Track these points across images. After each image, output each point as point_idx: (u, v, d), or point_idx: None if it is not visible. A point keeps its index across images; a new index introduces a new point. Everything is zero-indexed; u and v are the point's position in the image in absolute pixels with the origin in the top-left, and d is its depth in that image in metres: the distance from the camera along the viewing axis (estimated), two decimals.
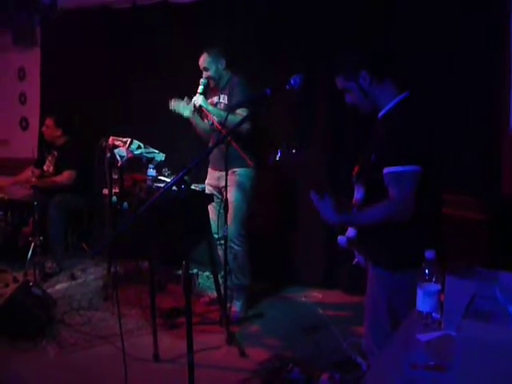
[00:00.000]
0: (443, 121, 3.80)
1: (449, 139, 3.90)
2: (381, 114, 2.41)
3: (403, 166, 2.20)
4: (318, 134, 4.73)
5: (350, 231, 2.47)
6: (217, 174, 4.19)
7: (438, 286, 1.82)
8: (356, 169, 2.48)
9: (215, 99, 4.18)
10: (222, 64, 4.13)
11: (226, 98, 4.09)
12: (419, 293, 1.86)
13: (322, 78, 4.53)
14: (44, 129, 5.54)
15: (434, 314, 1.82)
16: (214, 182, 4.20)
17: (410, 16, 4.21)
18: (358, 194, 2.46)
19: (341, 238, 2.48)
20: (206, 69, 4.11)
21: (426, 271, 1.83)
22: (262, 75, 4.71)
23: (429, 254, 1.84)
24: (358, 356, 2.79)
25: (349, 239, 2.46)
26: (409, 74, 2.94)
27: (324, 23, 4.58)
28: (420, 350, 1.66)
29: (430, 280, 1.83)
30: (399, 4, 4.27)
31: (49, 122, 5.48)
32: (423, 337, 1.71)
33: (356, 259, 2.59)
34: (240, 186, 4.04)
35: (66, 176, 5.30)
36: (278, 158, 2.30)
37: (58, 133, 5.43)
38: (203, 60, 4.11)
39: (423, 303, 1.85)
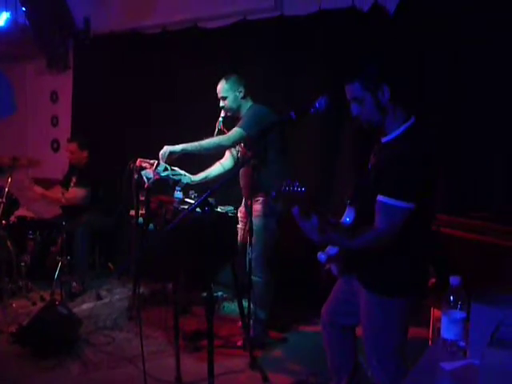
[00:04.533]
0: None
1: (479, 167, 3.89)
2: (386, 139, 2.38)
3: (397, 200, 2.20)
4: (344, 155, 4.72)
5: (331, 248, 2.48)
6: (243, 201, 4.15)
7: (463, 314, 1.79)
8: (351, 191, 2.49)
9: None
10: (241, 92, 3.95)
11: None
12: (444, 320, 1.83)
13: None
14: (69, 154, 5.59)
15: (459, 342, 1.78)
16: (242, 209, 4.16)
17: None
18: (348, 216, 2.47)
19: (321, 255, 2.49)
20: (223, 98, 3.94)
21: (451, 298, 1.80)
22: (288, 99, 4.72)
23: (453, 280, 1.81)
24: None
25: (329, 256, 2.47)
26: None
27: (351, 45, 4.58)
28: (444, 379, 1.62)
29: (454, 307, 1.80)
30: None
31: (72, 147, 5.52)
32: (447, 365, 1.68)
33: (329, 266, 2.58)
34: (260, 216, 3.87)
35: (75, 193, 5.36)
36: (273, 196, 2.32)
37: (85, 154, 5.51)
38: (220, 88, 3.95)
39: (448, 330, 1.81)
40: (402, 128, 2.32)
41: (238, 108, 3.99)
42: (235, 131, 3.78)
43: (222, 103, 3.98)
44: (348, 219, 2.46)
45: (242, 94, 3.97)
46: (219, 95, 3.98)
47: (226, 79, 3.97)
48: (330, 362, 2.79)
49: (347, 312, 2.63)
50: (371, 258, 2.36)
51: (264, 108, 3.95)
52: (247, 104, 4.01)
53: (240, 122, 3.84)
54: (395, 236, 2.22)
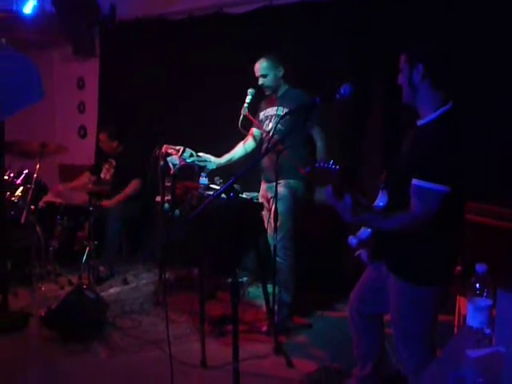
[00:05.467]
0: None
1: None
2: (421, 122, 2.36)
3: (433, 184, 2.17)
4: (371, 140, 4.68)
5: (362, 233, 2.46)
6: (265, 185, 4.15)
7: (489, 301, 1.77)
8: (384, 174, 2.46)
9: (270, 111, 4.10)
10: (280, 72, 4.00)
11: (284, 110, 3.94)
12: (469, 307, 1.82)
13: (376, 86, 4.50)
14: (101, 144, 5.67)
15: (485, 330, 1.77)
16: (263, 194, 4.17)
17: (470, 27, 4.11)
18: (381, 200, 2.44)
19: (352, 239, 2.46)
20: (263, 76, 3.99)
21: (477, 285, 1.79)
22: (314, 84, 4.70)
23: (479, 267, 1.79)
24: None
25: (360, 241, 2.45)
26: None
27: (378, 31, 4.52)
28: (469, 366, 1.61)
29: (480, 294, 1.78)
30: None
31: (102, 137, 5.60)
32: (473, 353, 1.67)
33: (359, 252, 2.56)
34: (284, 198, 3.90)
35: (133, 185, 5.41)
36: (307, 170, 2.30)
37: (114, 144, 5.56)
38: (260, 66, 3.99)
39: (473, 318, 1.80)
40: (438, 112, 2.29)
41: (277, 87, 4.04)
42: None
43: (261, 81, 4.01)
44: (381, 203, 2.43)
45: (281, 74, 4.02)
46: (258, 73, 4.01)
47: (267, 58, 4.00)
48: (356, 348, 2.79)
49: (375, 300, 2.62)
50: (402, 245, 2.34)
51: (304, 92, 3.99)
52: (285, 86, 4.06)
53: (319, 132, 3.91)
54: (430, 221, 2.19)
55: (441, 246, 2.32)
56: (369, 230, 2.44)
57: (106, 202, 5.31)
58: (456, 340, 1.88)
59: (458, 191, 2.22)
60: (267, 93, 4.07)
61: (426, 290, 2.34)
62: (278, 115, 3.97)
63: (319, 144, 3.92)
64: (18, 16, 5.37)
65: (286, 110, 3.93)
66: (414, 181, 2.21)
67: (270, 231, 3.93)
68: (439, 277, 2.37)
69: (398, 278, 2.39)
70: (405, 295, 2.38)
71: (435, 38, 2.53)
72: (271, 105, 4.11)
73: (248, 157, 4.22)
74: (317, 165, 2.22)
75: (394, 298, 2.44)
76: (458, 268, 2.80)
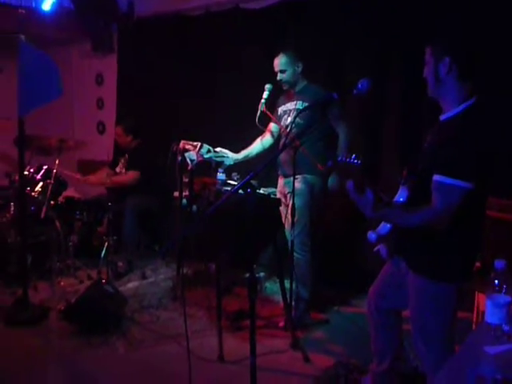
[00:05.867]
0: None
1: None
2: (444, 117, 2.34)
3: (455, 180, 2.13)
4: (388, 136, 4.66)
5: (382, 228, 2.44)
6: (282, 180, 4.15)
7: (508, 298, 1.76)
8: (405, 170, 2.44)
9: (289, 105, 4.08)
10: (299, 67, 4.00)
11: (304, 105, 3.94)
12: (488, 304, 1.81)
13: (393, 81, 4.48)
14: (116, 137, 5.72)
15: (503, 326, 1.76)
16: (280, 189, 4.16)
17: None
18: (401, 196, 2.42)
19: (371, 234, 2.44)
20: (282, 71, 3.98)
21: (496, 281, 1.77)
22: (332, 80, 4.69)
23: (498, 263, 1.78)
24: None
25: (379, 236, 2.43)
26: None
27: (396, 25, 4.49)
28: (488, 363, 1.61)
29: (499, 291, 1.77)
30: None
31: (118, 130, 5.63)
32: (491, 349, 1.66)
33: (378, 248, 2.55)
34: (302, 194, 3.89)
35: (129, 176, 5.42)
36: (329, 165, 2.30)
37: (129, 139, 5.58)
38: (279, 61, 3.98)
39: (492, 314, 1.79)
40: (462, 106, 2.26)
41: (295, 83, 4.04)
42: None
43: (279, 76, 4.01)
44: (401, 199, 2.41)
45: (300, 69, 4.02)
46: (277, 68, 4.01)
47: (286, 53, 4.00)
48: (374, 343, 2.78)
49: (394, 296, 2.61)
50: (422, 241, 2.32)
51: (322, 88, 4.00)
52: (303, 81, 4.06)
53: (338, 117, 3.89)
54: (451, 217, 2.16)
55: (461, 242, 2.29)
56: (388, 225, 2.43)
57: (92, 178, 5.40)
58: (474, 336, 1.87)
59: (481, 187, 2.18)
60: (285, 88, 4.07)
61: (446, 286, 2.32)
62: (297, 109, 3.96)
63: (341, 137, 3.92)
64: (36, 13, 5.41)
65: (305, 105, 3.93)
66: (436, 176, 2.18)
67: (287, 226, 3.93)
68: (459, 273, 2.34)
69: (417, 274, 2.37)
70: (424, 292, 2.37)
71: (457, 31, 2.49)
72: (289, 100, 4.10)
73: (266, 153, 4.22)
74: (339, 158, 2.21)
75: (413, 294, 2.43)
76: (477, 264, 2.78)
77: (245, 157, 4.15)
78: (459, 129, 2.21)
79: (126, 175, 5.46)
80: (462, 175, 2.13)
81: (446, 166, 2.17)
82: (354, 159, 2.18)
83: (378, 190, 2.24)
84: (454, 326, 2.39)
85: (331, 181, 3.94)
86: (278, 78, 4.01)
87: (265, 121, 4.09)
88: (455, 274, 2.32)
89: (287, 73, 3.99)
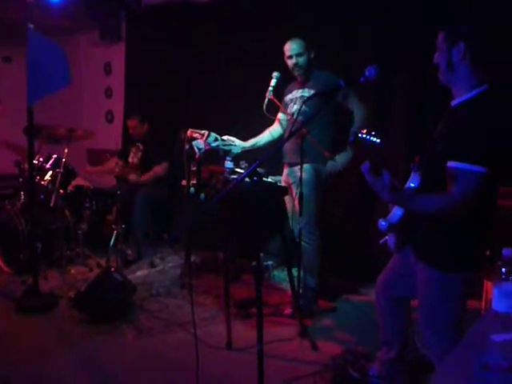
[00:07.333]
0: None
1: None
2: (455, 102, 2.30)
3: (471, 165, 2.09)
4: (396, 123, 4.64)
5: (393, 216, 2.41)
6: (287, 170, 4.13)
7: None
8: (418, 157, 2.41)
9: (295, 93, 4.06)
10: (312, 54, 3.96)
11: (310, 92, 3.91)
12: (495, 292, 1.80)
13: (402, 67, 4.46)
14: (131, 130, 5.70)
15: (511, 315, 1.75)
16: (285, 178, 4.13)
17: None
18: (413, 181, 2.38)
19: (382, 222, 2.40)
20: (298, 54, 3.90)
21: (503, 270, 1.77)
22: (339, 66, 4.66)
23: (506, 252, 1.77)
24: None
25: (390, 224, 2.40)
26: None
27: (404, 11, 4.45)
28: (494, 351, 1.61)
29: (506, 279, 1.76)
30: None
31: (132, 123, 5.63)
32: (498, 337, 1.65)
33: (385, 239, 2.53)
34: (308, 183, 3.84)
35: (163, 167, 5.45)
36: (351, 140, 2.24)
37: (145, 128, 5.60)
38: (294, 46, 3.92)
39: (499, 303, 1.79)
40: (473, 92, 2.23)
41: (308, 69, 3.99)
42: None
43: (295, 59, 3.94)
44: (413, 184, 2.38)
45: (312, 56, 3.97)
46: (293, 52, 3.93)
47: (301, 39, 3.95)
48: (382, 332, 2.78)
49: (402, 285, 2.59)
50: (432, 231, 2.31)
51: (331, 74, 3.98)
52: (312, 69, 4.01)
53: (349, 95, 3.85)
54: (469, 204, 2.12)
55: (472, 232, 2.26)
56: (399, 213, 2.39)
57: (132, 177, 5.39)
58: (481, 324, 1.87)
59: (493, 174, 2.14)
60: (298, 73, 3.99)
61: (456, 277, 2.30)
62: (303, 97, 3.93)
63: (356, 113, 3.88)
64: (45, 2, 5.41)
65: (311, 92, 3.90)
66: (451, 163, 2.14)
67: (291, 215, 3.93)
68: (469, 264, 2.31)
69: (426, 264, 2.35)
70: (434, 282, 2.34)
71: (464, 17, 2.46)
72: (297, 87, 4.08)
73: (274, 143, 4.20)
74: (360, 135, 2.16)
75: (422, 284, 2.41)
76: (487, 252, 2.77)
77: (253, 145, 4.14)
78: (471, 113, 2.18)
79: (158, 168, 5.46)
80: (476, 159, 2.09)
81: (460, 152, 2.13)
82: (374, 136, 2.13)
83: (392, 174, 2.22)
84: (464, 315, 2.38)
85: (331, 164, 3.91)
86: (294, 61, 3.93)
87: (272, 109, 4.08)
88: (465, 265, 2.30)
89: (304, 57, 3.93)
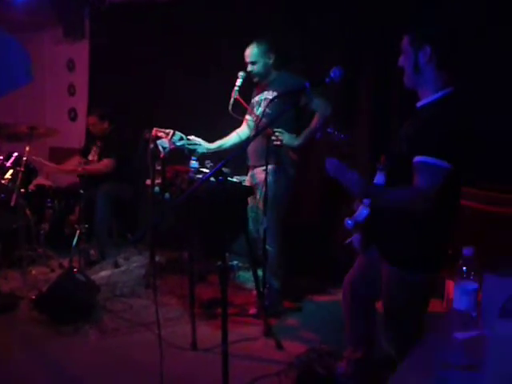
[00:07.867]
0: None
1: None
2: (421, 103, 2.34)
3: (438, 159, 2.14)
4: (360, 123, 4.68)
5: (359, 215, 2.44)
6: (250, 172, 4.11)
7: (476, 285, 1.79)
8: (383, 156, 2.44)
9: (260, 96, 4.04)
10: (271, 59, 3.94)
11: (273, 94, 3.89)
12: (456, 290, 1.83)
13: (366, 68, 4.51)
14: (90, 127, 5.63)
15: (471, 313, 1.79)
16: (249, 180, 4.11)
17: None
18: (378, 180, 2.42)
19: (348, 221, 2.44)
20: (252, 62, 3.92)
21: (464, 268, 1.80)
22: (304, 68, 4.68)
23: (466, 251, 1.81)
24: None
25: (356, 223, 2.44)
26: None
27: (369, 11, 4.50)
28: (455, 349, 1.63)
29: (467, 278, 1.80)
30: None
31: (92, 120, 5.55)
32: (460, 335, 1.68)
33: (350, 239, 2.56)
34: (271, 184, 3.81)
35: (104, 163, 5.37)
36: (318, 137, 2.28)
37: (105, 125, 5.53)
38: (250, 53, 3.92)
39: (460, 301, 1.82)
40: (438, 94, 2.27)
41: (266, 75, 3.98)
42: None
43: (249, 67, 3.95)
44: (378, 182, 2.42)
45: (271, 61, 3.95)
46: (248, 59, 3.94)
47: (258, 44, 3.93)
48: (348, 331, 2.80)
49: (368, 285, 2.62)
50: (396, 230, 2.33)
51: (295, 76, 3.96)
52: (275, 72, 4.00)
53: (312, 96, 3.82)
54: (433, 198, 2.15)
55: (435, 232, 2.30)
56: (365, 212, 2.42)
57: (65, 166, 5.39)
58: (443, 323, 1.90)
59: (456, 173, 2.19)
60: (255, 80, 4.01)
61: (419, 276, 2.33)
62: (266, 99, 3.94)
63: (320, 112, 3.89)
64: None
65: (274, 94, 3.89)
66: (418, 158, 2.18)
67: (252, 217, 3.94)
68: (432, 264, 2.35)
69: (390, 263, 2.38)
70: (397, 282, 2.37)
71: (428, 19, 2.49)
72: (262, 90, 4.07)
73: (242, 144, 4.19)
74: (329, 129, 2.19)
75: (386, 283, 2.44)
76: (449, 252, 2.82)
77: (218, 147, 4.11)
78: (436, 113, 2.23)
79: (101, 163, 5.39)
80: (443, 155, 2.14)
81: (425, 148, 2.17)
82: (340, 132, 2.17)
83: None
84: (425, 314, 2.42)
85: (287, 137, 3.88)
86: (249, 69, 3.96)
87: (239, 109, 4.07)
88: (428, 264, 2.34)
89: (258, 64, 3.93)
